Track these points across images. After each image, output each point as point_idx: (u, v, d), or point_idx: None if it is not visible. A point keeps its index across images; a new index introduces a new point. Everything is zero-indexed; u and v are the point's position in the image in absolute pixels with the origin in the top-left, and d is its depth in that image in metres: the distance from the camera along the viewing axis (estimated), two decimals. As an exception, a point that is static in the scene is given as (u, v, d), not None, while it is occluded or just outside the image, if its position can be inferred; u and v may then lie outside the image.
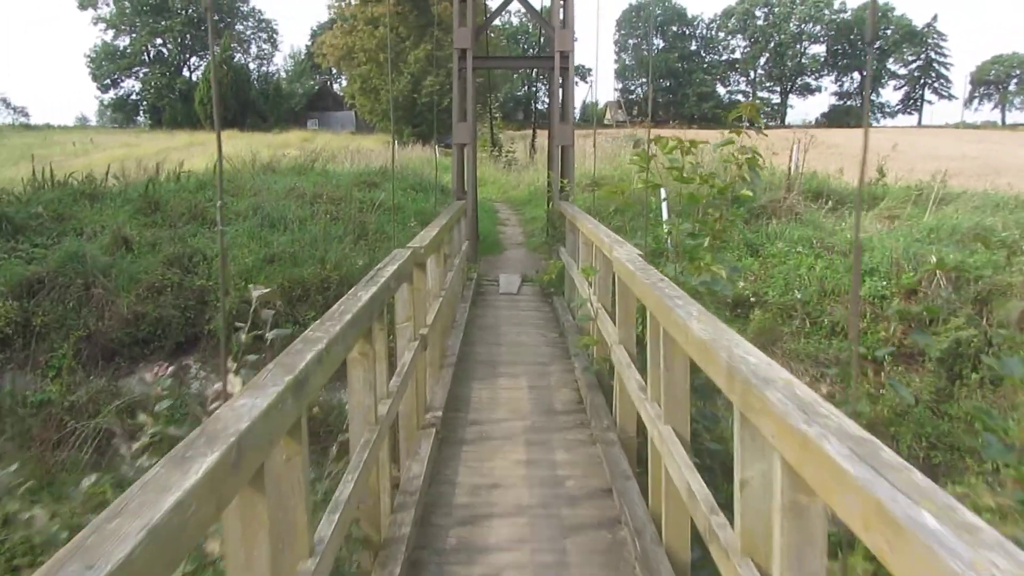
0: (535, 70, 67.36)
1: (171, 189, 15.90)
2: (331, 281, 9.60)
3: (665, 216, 10.28)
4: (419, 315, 4.93)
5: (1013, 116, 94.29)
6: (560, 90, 12.24)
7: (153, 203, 13.82)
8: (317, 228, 11.37)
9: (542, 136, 31.62)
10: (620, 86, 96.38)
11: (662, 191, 11.38)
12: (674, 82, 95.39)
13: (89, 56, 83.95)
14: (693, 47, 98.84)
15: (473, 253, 12.46)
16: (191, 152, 35.55)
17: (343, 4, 52.33)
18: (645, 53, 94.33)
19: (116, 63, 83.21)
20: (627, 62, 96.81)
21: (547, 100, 66.96)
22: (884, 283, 9.21)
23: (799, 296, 9.04)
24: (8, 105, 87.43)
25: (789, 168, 14.38)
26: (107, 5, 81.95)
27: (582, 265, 7.58)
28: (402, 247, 4.89)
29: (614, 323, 5.17)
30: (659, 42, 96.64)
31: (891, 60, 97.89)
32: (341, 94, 72.15)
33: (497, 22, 71.25)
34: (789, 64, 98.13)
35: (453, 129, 11.80)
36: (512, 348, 7.75)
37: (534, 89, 74.60)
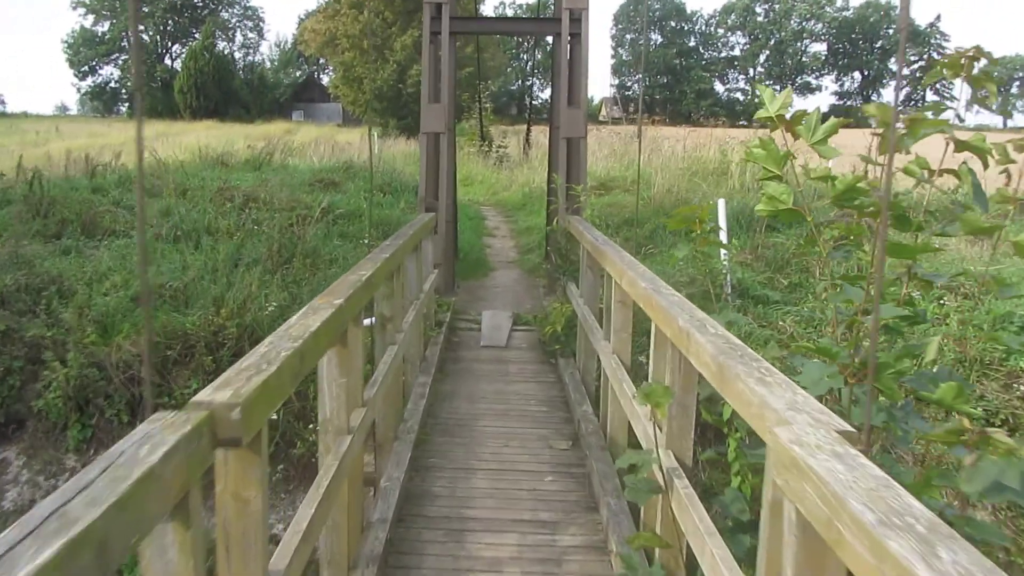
0: (529, 60, 63.83)
1: (77, 186, 12.67)
2: (227, 335, 6.37)
3: (724, 237, 7.11)
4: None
5: (1014, 120, 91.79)
6: (567, 64, 9.04)
7: (38, 206, 10.62)
8: (229, 248, 8.09)
9: (537, 132, 28.26)
10: (616, 82, 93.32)
11: (721, 201, 8.21)
12: (672, 79, 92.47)
13: (67, 42, 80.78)
14: (692, 43, 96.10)
15: (448, 282, 9.26)
16: (159, 143, 32.28)
17: (329, -14, 49.01)
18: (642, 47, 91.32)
19: (95, 49, 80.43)
20: (624, 57, 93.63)
21: (543, 96, 63.71)
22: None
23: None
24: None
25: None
26: (87, -10, 78.89)
27: (614, 344, 4.37)
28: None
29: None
30: (657, 38, 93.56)
31: (892, 60, 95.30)
32: (327, 85, 68.74)
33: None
34: (789, 62, 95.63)
35: (421, 113, 8.56)
36: (496, 481, 4.52)
37: (528, 83, 71.50)
